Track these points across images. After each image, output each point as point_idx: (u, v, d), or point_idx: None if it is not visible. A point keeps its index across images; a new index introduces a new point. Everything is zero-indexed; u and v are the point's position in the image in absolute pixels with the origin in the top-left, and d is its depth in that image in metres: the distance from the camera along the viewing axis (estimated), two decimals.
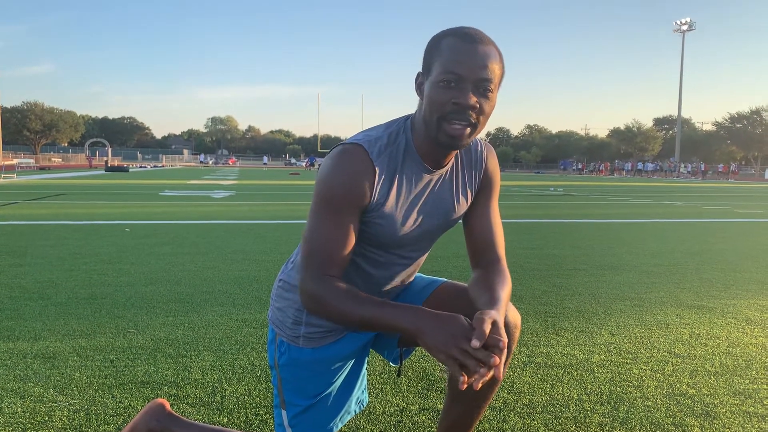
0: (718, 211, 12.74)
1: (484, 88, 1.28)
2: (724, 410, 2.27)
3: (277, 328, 1.55)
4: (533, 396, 2.38)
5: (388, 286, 1.55)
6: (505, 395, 2.37)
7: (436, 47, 1.30)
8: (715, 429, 2.11)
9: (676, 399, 2.37)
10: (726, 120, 72.53)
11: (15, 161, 41.17)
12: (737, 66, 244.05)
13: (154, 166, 58.91)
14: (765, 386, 2.53)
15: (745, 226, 9.64)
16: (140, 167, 52.91)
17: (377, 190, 1.35)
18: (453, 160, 1.47)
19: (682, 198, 18.43)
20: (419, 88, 1.36)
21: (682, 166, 63.96)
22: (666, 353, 2.94)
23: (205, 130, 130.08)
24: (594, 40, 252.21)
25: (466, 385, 1.14)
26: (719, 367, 2.75)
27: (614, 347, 3.02)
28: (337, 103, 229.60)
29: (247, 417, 2.15)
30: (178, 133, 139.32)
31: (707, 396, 2.40)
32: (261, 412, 2.19)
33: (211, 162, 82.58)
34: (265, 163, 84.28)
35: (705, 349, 3.01)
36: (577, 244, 6.91)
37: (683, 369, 2.72)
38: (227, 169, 52.31)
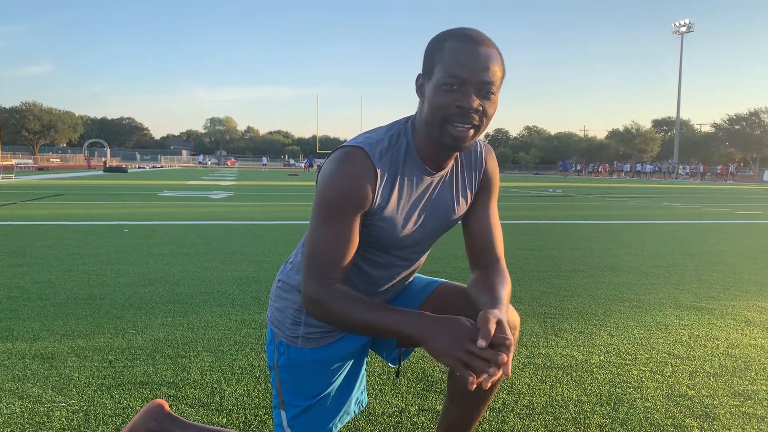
0: (717, 213, 12.76)
1: (486, 90, 1.28)
2: (723, 411, 2.27)
3: (276, 329, 1.55)
4: (532, 397, 2.38)
5: (388, 287, 1.55)
6: (504, 396, 2.37)
7: (437, 49, 1.30)
8: (715, 430, 2.11)
9: (676, 400, 2.37)
10: (725, 122, 72.57)
11: (13, 161, 41.16)
12: (736, 68, 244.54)
13: (153, 167, 58.89)
14: (764, 387, 2.53)
15: (744, 227, 9.65)
16: (139, 168, 52.88)
17: (379, 193, 1.35)
18: (453, 161, 1.47)
19: (681, 199, 18.45)
20: (420, 89, 1.36)
21: (681, 167, 64.01)
22: (665, 354, 2.94)
23: (203, 131, 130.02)
24: (593, 41, 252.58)
25: (475, 386, 1.13)
26: (718, 369, 2.75)
27: (613, 348, 3.02)
28: (336, 105, 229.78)
29: (246, 417, 2.15)
30: (176, 133, 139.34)
31: (707, 397, 2.40)
32: (260, 412, 2.19)
33: (209, 163, 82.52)
34: (264, 164, 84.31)
35: (704, 351, 3.01)
36: (576, 245, 6.91)
37: (682, 370, 2.72)
38: (225, 170, 52.31)
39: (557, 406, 2.29)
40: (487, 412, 2.21)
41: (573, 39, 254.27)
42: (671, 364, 2.79)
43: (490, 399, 1.61)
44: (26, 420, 2.08)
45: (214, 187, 20.85)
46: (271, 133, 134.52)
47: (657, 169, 66.97)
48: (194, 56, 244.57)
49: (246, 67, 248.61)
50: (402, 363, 1.66)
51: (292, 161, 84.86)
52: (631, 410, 2.27)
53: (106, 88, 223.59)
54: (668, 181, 50.54)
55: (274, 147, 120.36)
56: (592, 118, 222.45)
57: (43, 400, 2.25)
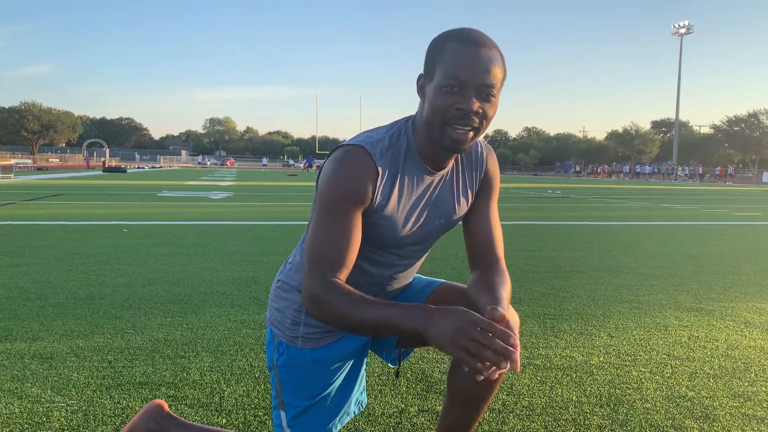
0: (717, 214, 12.77)
1: (486, 92, 1.28)
2: (723, 412, 2.27)
3: (275, 329, 1.55)
4: (532, 398, 2.38)
5: (387, 286, 1.55)
6: (504, 397, 2.37)
7: (438, 50, 1.30)
8: (714, 431, 2.11)
9: (676, 401, 2.37)
10: (724, 123, 72.71)
11: (12, 161, 41.12)
12: (735, 69, 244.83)
13: (152, 167, 58.84)
14: (764, 389, 2.53)
15: (744, 228, 9.66)
16: (138, 168, 52.83)
17: (379, 192, 1.35)
18: (453, 161, 1.47)
19: (680, 201, 18.46)
20: (421, 90, 1.36)
21: (680, 168, 64.07)
22: (665, 355, 2.94)
23: (203, 131, 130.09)
24: (592, 42, 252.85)
25: (482, 377, 1.12)
26: (718, 370, 2.75)
27: (613, 349, 3.02)
28: (335, 105, 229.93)
29: (245, 418, 2.14)
30: (176, 134, 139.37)
31: (706, 398, 2.40)
32: (260, 413, 2.19)
33: (209, 163, 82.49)
34: (264, 164, 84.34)
35: (704, 352, 3.01)
36: (575, 246, 6.92)
37: (682, 371, 2.72)
38: (225, 170, 52.30)
39: (557, 407, 2.29)
40: (487, 413, 2.21)
41: (573, 40, 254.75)
42: (671, 366, 2.79)
43: (489, 399, 1.61)
44: (25, 420, 2.08)
45: (213, 187, 20.85)
46: (270, 133, 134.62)
47: (656, 170, 67.04)
48: (194, 56, 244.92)
49: (245, 68, 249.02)
50: (402, 363, 1.66)
51: (291, 162, 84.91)
52: (631, 411, 2.27)
53: (105, 88, 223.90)
54: (667, 182, 50.58)
55: (273, 147, 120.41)
56: (592, 119, 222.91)
57: (42, 400, 2.24)
